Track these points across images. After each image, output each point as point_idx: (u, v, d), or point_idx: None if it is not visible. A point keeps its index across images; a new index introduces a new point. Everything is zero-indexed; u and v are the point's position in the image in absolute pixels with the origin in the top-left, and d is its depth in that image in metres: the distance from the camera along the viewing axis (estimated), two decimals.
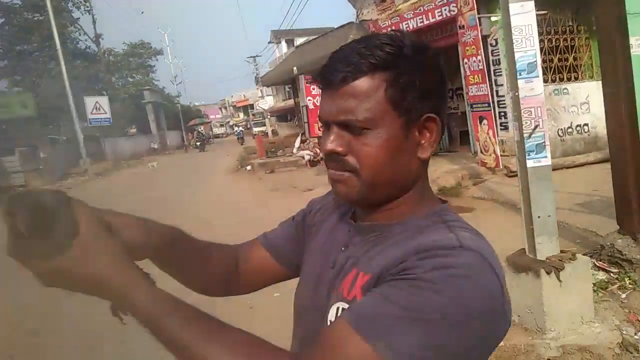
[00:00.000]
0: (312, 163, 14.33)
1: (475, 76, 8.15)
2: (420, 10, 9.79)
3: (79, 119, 25.04)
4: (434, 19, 9.39)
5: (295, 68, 14.10)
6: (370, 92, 0.72)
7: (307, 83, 10.67)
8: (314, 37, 18.42)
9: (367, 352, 0.59)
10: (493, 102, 8.29)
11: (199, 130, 39.84)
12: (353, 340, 0.60)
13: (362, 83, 0.72)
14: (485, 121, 8.11)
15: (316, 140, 13.52)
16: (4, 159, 20.24)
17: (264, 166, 15.34)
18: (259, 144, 18.25)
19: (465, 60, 8.31)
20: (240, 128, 42.44)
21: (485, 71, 7.94)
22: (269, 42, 42.46)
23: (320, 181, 11.17)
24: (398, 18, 10.52)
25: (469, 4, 7.97)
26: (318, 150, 14.12)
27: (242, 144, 32.66)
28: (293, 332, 0.93)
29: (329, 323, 0.75)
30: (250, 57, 47.10)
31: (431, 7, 9.41)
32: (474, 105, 8.45)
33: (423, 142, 0.78)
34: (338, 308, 0.75)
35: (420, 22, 9.82)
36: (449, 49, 8.98)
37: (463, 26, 8.23)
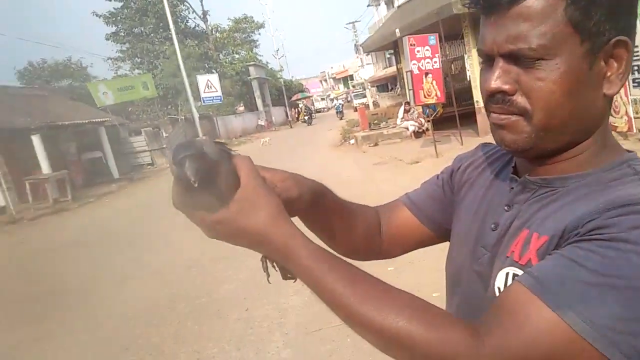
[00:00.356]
0: (417, 134, 13.92)
1: None
2: None
3: (194, 97, 26.50)
4: None
5: (397, 30, 13.44)
6: (547, 11, 0.61)
7: (411, 45, 10.01)
8: None
9: (554, 321, 0.53)
10: None
11: (306, 105, 40.94)
12: (535, 307, 0.54)
13: (536, 1, 0.61)
14: None
15: (420, 110, 13.05)
16: (133, 139, 22.39)
17: (368, 139, 15.22)
18: (362, 116, 18.10)
19: None
20: (340, 101, 41.26)
21: None
22: (368, 5, 41.28)
23: (427, 153, 10.84)
24: None
25: None
26: (423, 120, 13.65)
27: (341, 119, 31.86)
28: (447, 300, 0.87)
29: (496, 290, 0.69)
30: (349, 23, 46.42)
31: None
32: None
33: (609, 74, 0.65)
34: (508, 274, 0.68)
35: None
36: None
37: None
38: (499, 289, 0.69)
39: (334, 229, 0.88)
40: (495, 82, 0.65)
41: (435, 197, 0.94)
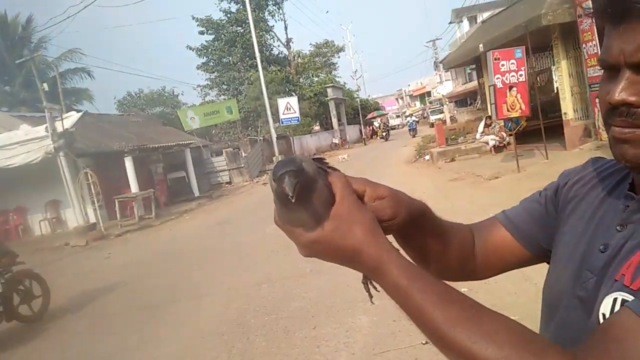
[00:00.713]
0: (497, 149, 13.35)
1: (592, 59, 9.45)
2: None
3: (273, 119, 27.68)
4: None
5: (481, 45, 13.19)
6: None
7: (495, 60, 9.87)
8: (500, 9, 17.00)
9: None
10: None
11: (384, 122, 41.28)
12: None
13: None
14: None
15: (502, 124, 12.49)
16: (214, 159, 23.53)
17: (444, 154, 14.78)
18: (439, 132, 17.68)
19: (584, 45, 9.74)
20: (414, 118, 40.07)
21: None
22: (450, 23, 40.81)
23: (508, 168, 10.27)
24: None
25: None
26: (504, 135, 13.04)
27: (414, 136, 30.88)
28: (542, 326, 0.82)
29: (600, 317, 0.63)
30: (430, 41, 46.10)
31: None
32: (591, 86, 9.72)
33: None
34: (616, 299, 0.61)
35: None
36: None
37: (580, 15, 9.57)
38: (603, 315, 0.63)
39: (427, 249, 0.84)
40: (620, 94, 0.61)
41: (536, 215, 0.87)
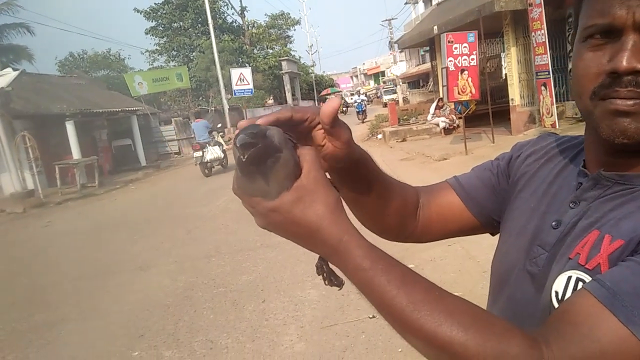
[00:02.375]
0: (447, 131, 13.71)
1: (540, 48, 9.70)
2: None
3: (225, 90, 27.03)
4: None
5: (435, 27, 13.39)
6: None
7: (448, 42, 10.03)
8: None
9: (623, 336, 0.49)
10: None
11: (344, 97, 40.86)
12: (604, 320, 0.50)
13: None
14: (546, 87, 9.70)
15: (452, 106, 12.81)
16: (163, 128, 22.78)
17: (396, 134, 15.02)
18: (392, 112, 17.90)
19: (533, 33, 9.86)
20: (362, 97, 33.19)
21: (547, 43, 9.53)
22: (405, 3, 41.00)
23: (456, 149, 10.58)
24: None
25: None
26: (454, 117, 13.39)
27: (363, 121, 25.80)
28: (490, 300, 0.81)
29: (553, 295, 0.63)
30: (385, 20, 46.21)
31: None
32: (538, 74, 10.04)
33: None
34: (570, 277, 0.61)
35: None
36: None
37: (531, 4, 9.72)
38: (556, 293, 0.63)
39: (368, 201, 0.80)
40: (629, 61, 0.56)
41: (488, 184, 0.85)
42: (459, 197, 0.86)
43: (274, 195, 0.56)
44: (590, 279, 0.58)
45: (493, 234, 0.88)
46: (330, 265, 0.63)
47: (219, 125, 16.67)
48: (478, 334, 0.51)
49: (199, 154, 13.04)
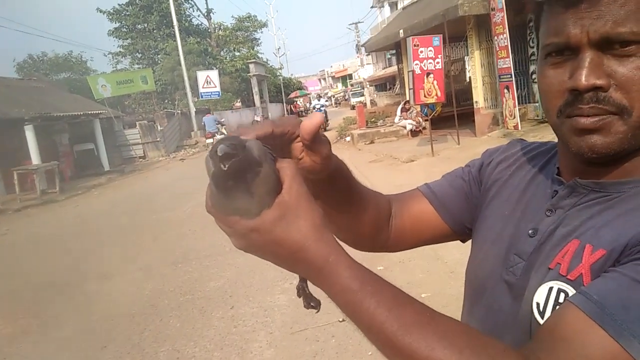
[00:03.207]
0: (414, 133, 13.91)
1: (502, 51, 10.16)
2: None
3: (192, 92, 26.65)
4: None
5: (401, 31, 13.58)
6: None
7: (414, 46, 10.20)
8: None
9: (615, 351, 0.48)
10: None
11: (304, 103, 40.66)
12: (594, 335, 0.49)
13: None
14: (509, 90, 10.22)
15: (418, 109, 13.00)
16: (127, 132, 22.24)
17: (364, 137, 15.12)
18: (360, 114, 18.01)
19: (496, 37, 10.32)
20: (322, 101, 32.20)
21: (509, 47, 9.97)
22: (372, 7, 41.52)
23: (423, 151, 10.73)
24: None
25: None
26: (420, 120, 13.59)
27: (324, 129, 24.31)
28: (465, 310, 0.80)
29: (534, 305, 0.62)
30: (352, 24, 46.61)
31: None
32: (501, 77, 10.48)
33: None
34: (552, 288, 0.60)
35: None
36: None
37: (493, 8, 10.16)
38: (537, 304, 0.61)
39: (343, 212, 0.77)
40: (587, 78, 0.56)
41: (460, 191, 0.84)
42: (432, 205, 0.84)
43: (255, 213, 0.51)
44: (572, 290, 0.58)
45: (464, 241, 0.88)
46: (310, 286, 0.60)
47: (222, 120, 20.99)
48: (473, 356, 0.49)
49: (211, 141, 16.51)
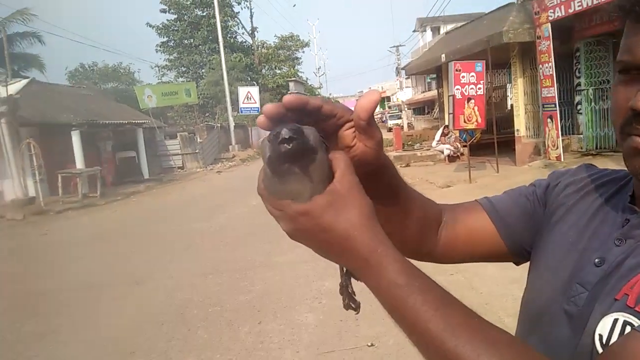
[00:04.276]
0: (451, 159, 13.72)
1: (547, 80, 9.93)
2: None
3: (232, 107, 27.25)
4: None
5: (443, 55, 13.54)
6: None
7: (456, 71, 10.15)
8: (464, 22, 17.46)
9: None
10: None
11: None
12: None
13: None
14: (552, 120, 9.93)
15: (457, 134, 12.84)
16: (168, 142, 22.87)
17: (400, 159, 15.01)
18: (397, 136, 17.96)
19: (540, 66, 10.11)
20: None
21: (555, 76, 9.80)
22: (414, 31, 41.69)
23: (460, 177, 10.54)
24: None
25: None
26: (459, 145, 13.41)
27: None
28: (520, 337, 0.74)
29: (596, 338, 0.57)
30: (394, 46, 46.79)
31: None
32: (544, 106, 10.26)
33: None
34: (617, 320, 0.56)
35: (597, 0, 8.65)
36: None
37: (539, 36, 10.06)
38: (600, 336, 0.57)
39: (389, 211, 0.72)
40: None
41: (523, 210, 0.79)
42: (491, 219, 0.79)
43: (306, 198, 0.51)
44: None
45: (517, 264, 0.83)
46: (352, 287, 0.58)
47: None
48: None
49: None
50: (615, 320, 0.56)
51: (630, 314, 0.55)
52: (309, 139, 0.51)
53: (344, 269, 0.63)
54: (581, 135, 10.93)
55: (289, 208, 0.52)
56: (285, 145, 0.48)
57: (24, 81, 16.26)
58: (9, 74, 15.26)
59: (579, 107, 10.96)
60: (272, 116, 0.53)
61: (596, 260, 0.64)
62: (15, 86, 14.64)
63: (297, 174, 0.50)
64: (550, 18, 9.88)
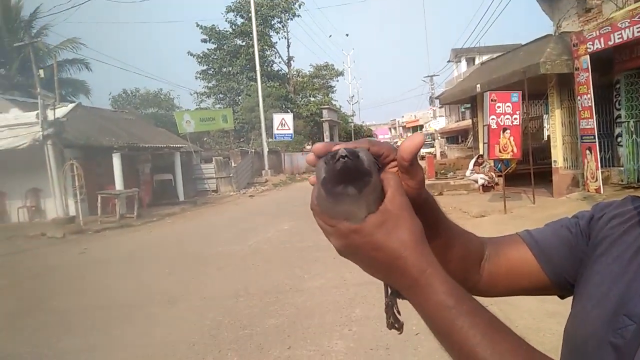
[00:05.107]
0: (486, 188, 13.49)
1: (586, 112, 9.79)
2: (639, 17, 8.50)
3: (266, 133, 27.75)
4: None
5: (478, 85, 13.52)
6: None
7: (491, 101, 10.10)
8: (499, 54, 17.41)
9: None
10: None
11: None
12: None
13: None
14: (591, 151, 9.68)
15: (492, 164, 12.66)
16: (203, 166, 23.40)
17: (432, 188, 14.85)
18: (430, 165, 17.84)
19: (579, 97, 9.99)
20: None
21: (593, 108, 9.55)
22: (448, 61, 41.77)
23: (495, 207, 10.34)
24: (609, 28, 9.31)
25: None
26: (493, 175, 13.20)
27: None
28: None
29: None
30: (428, 76, 46.98)
31: None
32: (583, 137, 10.04)
33: None
34: None
35: (638, 32, 8.56)
36: None
37: (577, 68, 9.98)
38: None
39: (431, 247, 0.73)
40: None
41: (565, 242, 0.78)
42: (532, 252, 0.79)
43: (360, 219, 0.53)
44: None
45: (562, 297, 0.82)
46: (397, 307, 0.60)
47: None
48: None
49: None
50: None
51: None
52: (363, 161, 0.53)
53: (389, 289, 0.64)
54: (622, 168, 10.61)
55: (341, 225, 0.53)
56: (342, 163, 0.50)
57: (71, 105, 17.06)
58: (57, 98, 16.03)
59: (619, 139, 10.68)
60: (322, 155, 0.55)
61: None
62: (62, 110, 15.38)
63: (352, 195, 0.52)
64: (589, 50, 9.76)
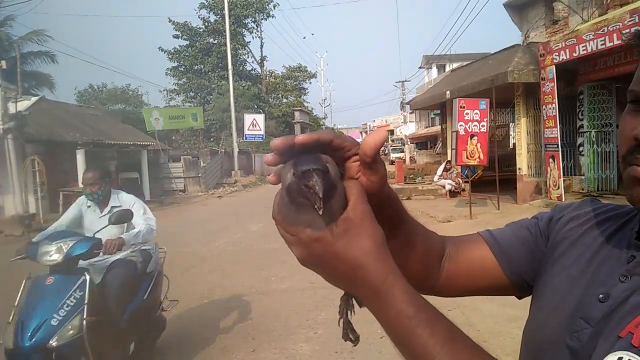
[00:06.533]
0: (452, 194, 13.76)
1: (550, 121, 10.23)
2: (603, 31, 8.82)
3: (237, 133, 27.51)
4: (619, 42, 8.41)
5: (448, 92, 13.78)
6: None
7: (460, 107, 10.30)
8: (470, 61, 17.79)
9: None
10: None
11: None
12: None
13: None
14: (554, 160, 10.12)
15: (459, 170, 12.90)
16: (171, 165, 22.99)
17: (401, 192, 15.02)
18: (399, 169, 18.04)
19: (544, 106, 10.43)
20: None
21: (557, 117, 10.09)
22: (420, 68, 42.43)
23: (460, 213, 10.54)
24: (575, 40, 9.64)
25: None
26: (460, 181, 13.45)
27: None
28: None
29: None
30: (399, 81, 47.57)
31: (618, 27, 8.39)
32: (547, 146, 10.49)
33: None
34: (621, 359, 0.55)
35: (602, 45, 8.87)
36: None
37: (544, 78, 10.38)
38: None
39: (392, 245, 0.69)
40: None
41: (524, 242, 0.78)
42: (492, 252, 0.79)
43: (322, 227, 0.52)
44: None
45: (520, 297, 0.82)
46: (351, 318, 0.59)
47: None
48: None
49: None
50: (620, 359, 0.55)
51: (635, 353, 0.54)
52: (331, 175, 0.52)
53: (346, 299, 0.64)
54: (583, 177, 10.98)
55: (303, 234, 0.53)
56: (314, 181, 0.49)
57: (34, 99, 16.50)
58: (20, 91, 15.47)
59: (581, 148, 11.05)
60: (282, 151, 0.54)
61: (600, 295, 0.63)
62: (24, 103, 14.85)
63: (311, 204, 0.51)
64: (555, 61, 10.09)
